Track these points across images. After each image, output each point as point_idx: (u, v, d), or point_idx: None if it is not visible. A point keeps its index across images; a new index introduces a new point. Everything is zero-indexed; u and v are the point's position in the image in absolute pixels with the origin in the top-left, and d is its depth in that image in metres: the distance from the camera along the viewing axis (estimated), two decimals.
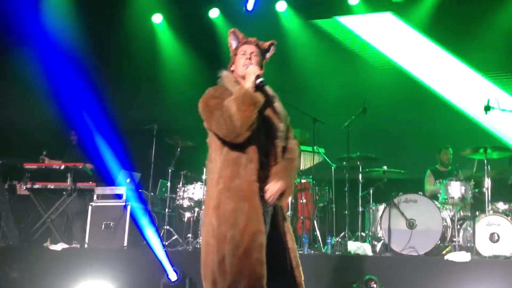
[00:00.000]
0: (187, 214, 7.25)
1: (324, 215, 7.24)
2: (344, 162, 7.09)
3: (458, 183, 6.39)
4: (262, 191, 3.09)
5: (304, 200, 6.88)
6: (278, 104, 3.33)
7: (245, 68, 3.20)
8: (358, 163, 6.92)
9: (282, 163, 3.22)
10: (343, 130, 7.01)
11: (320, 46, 9.34)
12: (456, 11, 8.71)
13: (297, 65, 9.34)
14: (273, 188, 3.11)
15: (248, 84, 3.11)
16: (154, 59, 9.93)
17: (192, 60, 9.77)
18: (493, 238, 5.84)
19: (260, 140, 3.13)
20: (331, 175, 7.22)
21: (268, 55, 3.40)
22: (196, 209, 7.08)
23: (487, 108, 6.28)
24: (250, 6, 9.35)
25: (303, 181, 7.01)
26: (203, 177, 6.95)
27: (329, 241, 6.52)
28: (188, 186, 7.18)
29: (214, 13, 9.73)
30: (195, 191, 7.10)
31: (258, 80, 3.13)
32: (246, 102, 3.02)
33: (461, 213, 6.49)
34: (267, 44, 3.38)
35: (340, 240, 6.74)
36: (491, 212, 6.12)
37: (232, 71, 3.32)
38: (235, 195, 3.01)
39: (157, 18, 9.94)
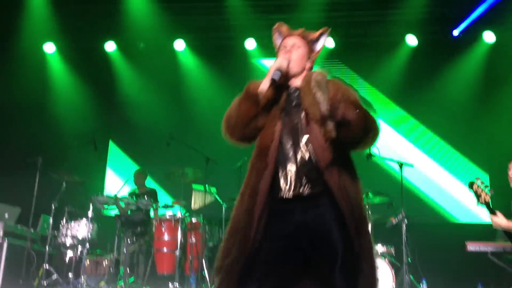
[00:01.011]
0: (69, 253, 6.88)
1: (213, 255, 7.20)
2: (235, 202, 7.12)
3: None
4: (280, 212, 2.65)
5: (194, 240, 6.79)
6: (318, 87, 2.65)
7: None
8: None
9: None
10: (235, 171, 7.09)
11: (216, 87, 9.44)
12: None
13: (193, 104, 9.37)
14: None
15: (265, 79, 2.71)
16: (43, 89, 9.51)
17: (84, 93, 9.48)
18: None
19: (282, 137, 2.70)
20: (222, 214, 7.22)
21: (318, 46, 2.92)
22: (80, 248, 6.74)
23: (369, 156, 6.67)
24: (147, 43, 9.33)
25: (193, 220, 6.94)
26: (89, 213, 6.69)
27: None
28: (72, 223, 6.85)
29: (110, 46, 9.58)
30: (79, 228, 6.78)
31: (274, 74, 2.68)
32: (245, 97, 2.74)
33: None
34: (316, 34, 2.92)
35: None
36: None
37: None
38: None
39: (49, 48, 9.57)
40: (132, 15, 8.93)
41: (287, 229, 2.63)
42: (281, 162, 2.69)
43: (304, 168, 2.65)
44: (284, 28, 2.96)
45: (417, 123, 8.98)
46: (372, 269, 2.63)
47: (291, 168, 2.67)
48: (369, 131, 2.62)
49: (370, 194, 6.61)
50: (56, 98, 9.51)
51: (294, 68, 2.82)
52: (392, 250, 6.60)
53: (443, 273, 7.16)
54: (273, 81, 2.68)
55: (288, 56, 2.81)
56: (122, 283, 6.51)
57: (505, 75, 8.67)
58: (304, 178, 2.65)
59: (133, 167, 8.88)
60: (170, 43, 9.44)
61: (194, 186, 7.45)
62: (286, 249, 2.61)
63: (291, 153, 2.69)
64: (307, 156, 2.67)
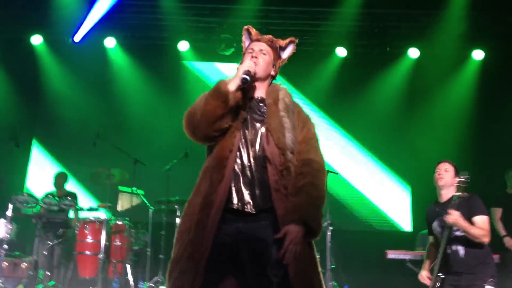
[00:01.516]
0: None
1: (139, 259, 7.09)
2: (163, 205, 7.06)
3: None
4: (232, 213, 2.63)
5: (119, 243, 6.64)
6: (286, 111, 2.76)
7: None
8: (176, 206, 6.94)
9: (301, 196, 2.63)
10: (164, 173, 7.02)
11: (149, 88, 9.31)
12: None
13: (122, 104, 9.18)
14: (290, 232, 2.58)
15: (234, 79, 2.69)
16: None
17: (7, 87, 9.08)
18: None
19: (239, 149, 2.70)
20: (149, 217, 7.12)
21: (285, 55, 2.98)
22: None
23: None
24: (77, 38, 9.04)
25: (118, 222, 6.79)
26: (8, 213, 6.39)
27: (140, 286, 6.38)
28: None
29: (36, 39, 9.21)
30: None
31: (243, 76, 2.68)
32: (214, 94, 2.66)
33: None
34: (284, 42, 2.97)
35: (153, 285, 6.62)
36: None
37: None
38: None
39: None
40: (61, 9, 8.64)
41: (229, 240, 2.62)
42: (235, 175, 2.67)
43: (256, 184, 2.66)
44: (254, 31, 2.97)
45: (344, 132, 9.24)
46: None
47: (244, 182, 2.66)
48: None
49: None
50: None
51: (259, 73, 2.83)
52: (317, 257, 6.73)
53: (365, 279, 7.40)
54: (243, 83, 2.68)
55: (255, 60, 2.82)
56: (42, 287, 6.28)
57: (426, 89, 9.10)
58: (254, 194, 2.65)
59: (57, 166, 8.58)
60: (100, 40, 9.21)
61: (121, 188, 7.30)
62: (227, 261, 2.63)
63: (246, 167, 2.68)
64: (259, 173, 2.67)
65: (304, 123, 2.81)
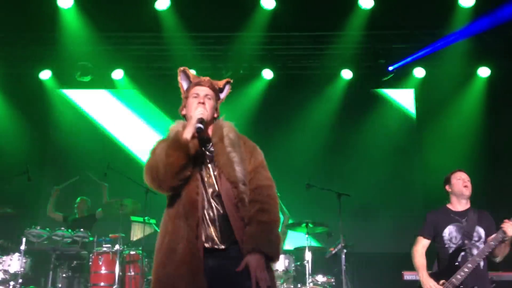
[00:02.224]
0: None
1: None
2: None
3: (282, 256, 6.67)
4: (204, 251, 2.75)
5: (133, 273, 6.63)
6: (232, 146, 2.87)
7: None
8: None
9: (253, 224, 2.74)
10: None
11: (158, 116, 9.39)
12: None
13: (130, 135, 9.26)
14: (251, 262, 2.69)
15: (188, 128, 2.78)
16: None
17: (17, 122, 9.18)
18: None
19: (202, 190, 2.80)
20: None
21: (223, 95, 3.08)
22: (12, 283, 6.42)
23: (308, 186, 6.82)
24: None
25: (132, 252, 6.78)
26: (22, 247, 6.42)
27: None
28: (4, 257, 6.54)
29: (45, 74, 9.33)
30: (11, 263, 6.48)
31: (197, 125, 2.78)
32: (174, 146, 2.72)
33: (284, 286, 6.75)
34: (221, 83, 3.07)
35: None
36: (311, 284, 6.47)
37: (184, 116, 3.01)
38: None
39: None
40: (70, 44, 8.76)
41: (207, 280, 2.71)
42: (203, 215, 2.79)
43: (219, 221, 2.78)
44: (191, 73, 3.06)
45: (355, 152, 9.24)
46: None
47: (210, 220, 2.79)
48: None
49: (310, 225, 6.71)
50: None
51: (207, 118, 2.91)
52: (332, 280, 6.70)
53: None
54: (197, 132, 2.78)
55: (204, 106, 2.91)
56: None
57: (434, 107, 9.14)
58: (219, 229, 2.77)
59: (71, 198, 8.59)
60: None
61: (133, 218, 7.31)
62: None
63: (209, 206, 2.81)
64: (219, 209, 2.80)
65: (251, 153, 2.92)
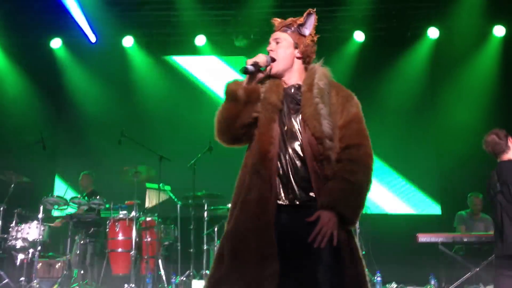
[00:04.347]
0: (20, 256, 6.68)
1: (169, 253, 7.16)
2: (190, 200, 7.11)
3: None
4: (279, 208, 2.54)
5: (149, 239, 6.72)
6: (320, 96, 2.61)
7: None
8: (204, 201, 6.99)
9: (336, 180, 2.52)
10: (189, 168, 7.06)
11: (169, 84, 9.38)
12: None
13: (144, 102, 9.24)
14: (322, 217, 2.47)
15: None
16: None
17: (30, 91, 9.20)
18: None
19: (279, 142, 2.60)
20: (177, 212, 7.18)
21: (307, 30, 2.76)
22: (31, 250, 6.53)
23: None
24: (92, 38, 9.13)
25: (148, 219, 6.86)
26: (40, 215, 6.51)
27: (173, 280, 6.44)
28: (23, 225, 6.65)
29: (56, 43, 9.32)
30: (30, 230, 6.58)
31: (246, 66, 2.60)
32: (225, 96, 2.67)
33: None
34: (300, 20, 2.77)
35: (184, 279, 6.69)
36: None
37: None
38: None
39: None
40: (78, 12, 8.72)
41: (278, 236, 2.51)
42: (278, 169, 2.59)
43: (297, 176, 2.57)
44: (276, 22, 2.84)
45: (366, 117, 9.13)
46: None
47: (286, 175, 2.58)
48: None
49: None
50: (0, 96, 9.20)
51: (279, 65, 2.72)
52: None
53: (396, 264, 7.34)
54: (246, 73, 2.61)
55: (271, 53, 2.72)
56: (77, 286, 6.39)
57: (448, 69, 8.99)
58: (297, 185, 2.56)
59: (83, 166, 8.66)
60: (119, 40, 9.28)
61: (148, 184, 7.37)
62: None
63: (286, 160, 2.59)
64: (299, 165, 2.58)
65: (343, 105, 2.66)
